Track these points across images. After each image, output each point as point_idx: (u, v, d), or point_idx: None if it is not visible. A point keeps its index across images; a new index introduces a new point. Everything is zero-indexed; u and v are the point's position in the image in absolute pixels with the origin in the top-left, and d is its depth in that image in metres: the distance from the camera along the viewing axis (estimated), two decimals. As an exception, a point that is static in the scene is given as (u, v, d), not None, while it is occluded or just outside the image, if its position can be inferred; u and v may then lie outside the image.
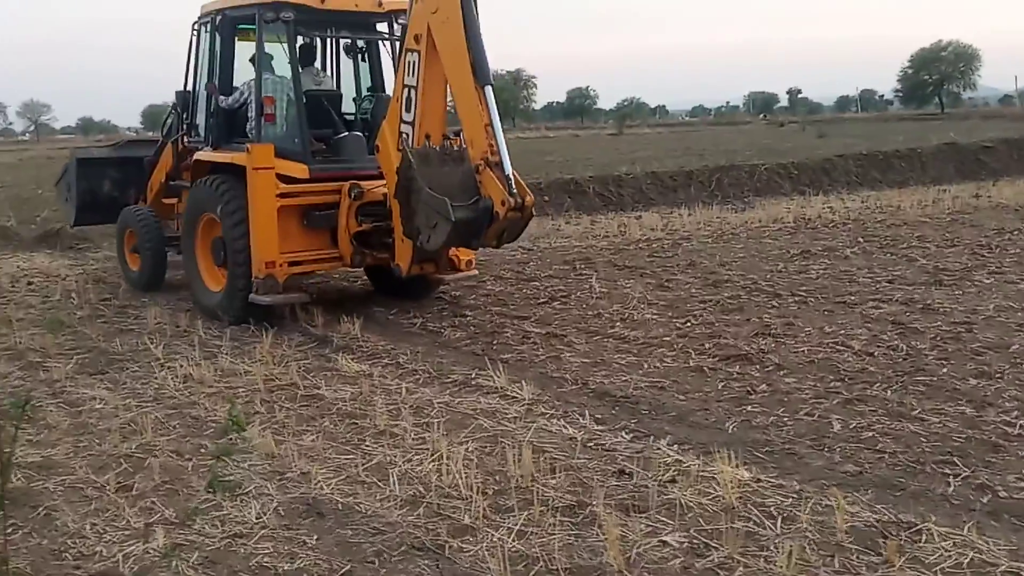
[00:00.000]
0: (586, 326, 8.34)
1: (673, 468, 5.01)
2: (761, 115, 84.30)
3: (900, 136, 28.69)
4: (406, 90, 8.37)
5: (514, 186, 7.59)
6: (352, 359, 7.39)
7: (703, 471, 4.94)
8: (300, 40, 9.48)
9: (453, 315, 8.99)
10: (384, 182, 8.57)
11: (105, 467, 5.22)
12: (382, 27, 9.77)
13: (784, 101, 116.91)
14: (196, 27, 9.89)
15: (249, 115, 9.20)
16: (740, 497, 4.61)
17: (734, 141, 37.04)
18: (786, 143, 33.12)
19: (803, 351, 7.28)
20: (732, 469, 4.87)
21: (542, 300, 9.54)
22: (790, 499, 4.62)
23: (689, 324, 8.26)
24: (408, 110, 8.33)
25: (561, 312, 8.97)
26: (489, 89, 7.75)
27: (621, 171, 20.22)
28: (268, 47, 9.22)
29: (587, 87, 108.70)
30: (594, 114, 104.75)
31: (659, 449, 5.31)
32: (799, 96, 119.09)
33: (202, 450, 5.50)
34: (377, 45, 10.01)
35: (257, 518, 4.52)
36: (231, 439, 5.40)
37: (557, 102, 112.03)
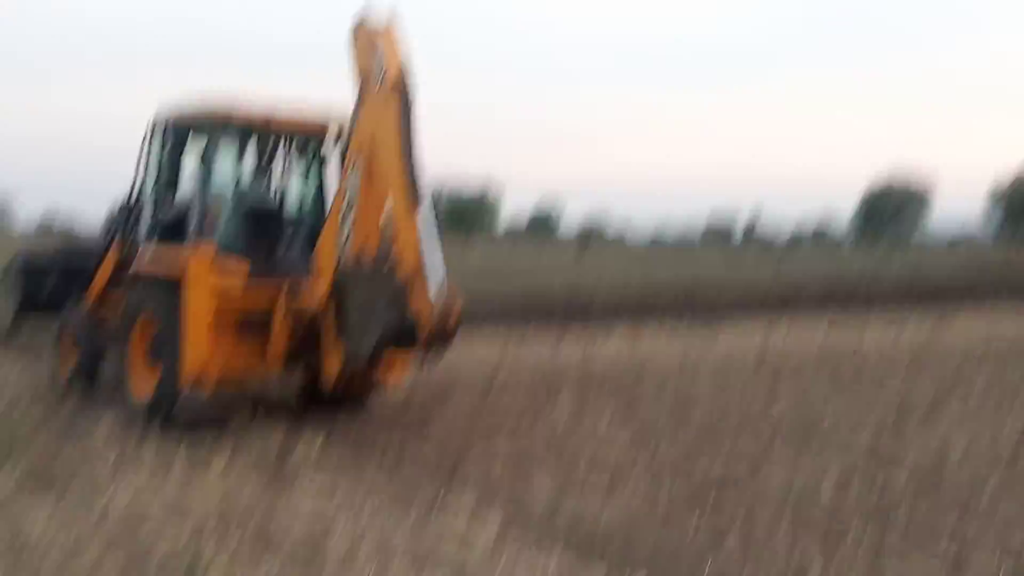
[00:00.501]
0: (557, 449, 8.14)
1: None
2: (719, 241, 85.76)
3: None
4: (344, 204, 8.50)
5: (442, 296, 7.77)
6: (313, 475, 7.09)
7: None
8: (248, 151, 9.67)
9: (420, 428, 8.76)
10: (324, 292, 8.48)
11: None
12: (327, 140, 9.75)
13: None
14: (146, 134, 9.90)
15: (191, 220, 9.13)
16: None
17: (695, 266, 37.41)
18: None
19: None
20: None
21: (510, 419, 9.34)
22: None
23: (660, 450, 8.09)
24: (343, 225, 8.45)
25: (530, 433, 8.76)
26: (422, 207, 7.93)
27: (588, 291, 20.25)
28: (213, 157, 9.28)
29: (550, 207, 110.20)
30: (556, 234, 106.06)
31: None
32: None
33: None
34: (322, 159, 9.96)
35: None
36: None
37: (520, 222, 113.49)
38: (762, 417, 9.47)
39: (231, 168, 9.42)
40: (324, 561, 5.49)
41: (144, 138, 9.92)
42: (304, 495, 6.64)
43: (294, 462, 7.59)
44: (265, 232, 9.54)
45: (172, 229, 9.40)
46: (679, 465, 7.59)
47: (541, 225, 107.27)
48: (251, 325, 8.80)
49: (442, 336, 7.96)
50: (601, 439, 8.46)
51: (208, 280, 8.52)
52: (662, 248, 77.15)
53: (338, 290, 8.21)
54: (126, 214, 10.17)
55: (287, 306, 8.67)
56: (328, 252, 8.48)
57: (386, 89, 8.10)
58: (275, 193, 10.15)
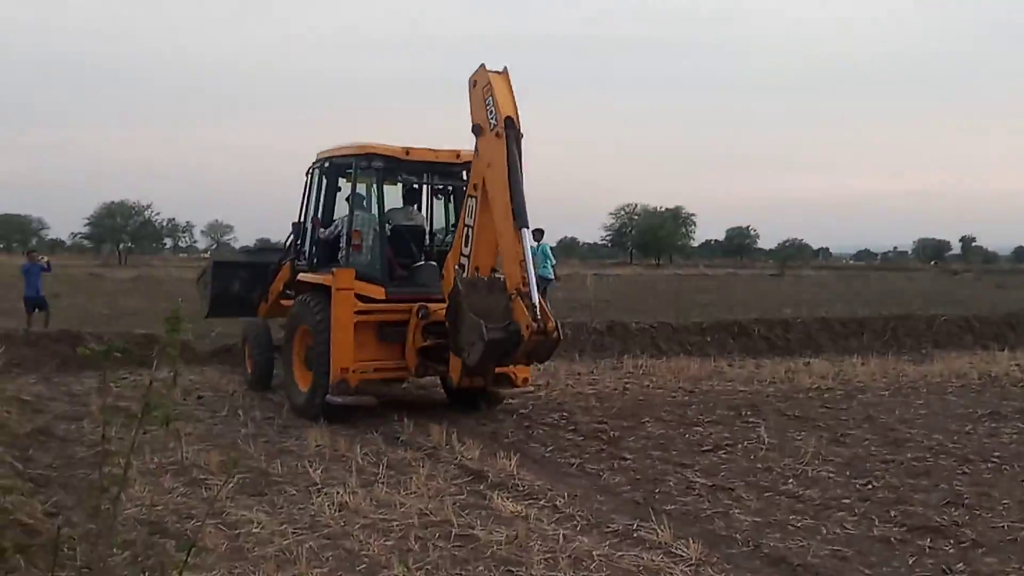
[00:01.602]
0: (755, 480, 7.82)
1: (864, 657, 4.45)
2: (933, 262, 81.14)
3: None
4: (466, 229, 10.02)
5: (539, 313, 8.91)
6: (508, 498, 7.14)
7: (900, 664, 4.37)
8: (398, 184, 11.32)
9: (612, 457, 8.64)
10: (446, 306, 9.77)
11: (258, 597, 5.10)
12: (460, 174, 11.03)
13: (956, 248, 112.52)
14: (309, 170, 11.81)
15: (341, 244, 10.96)
16: None
17: (905, 288, 35.61)
18: (962, 292, 31.57)
19: (1003, 527, 6.56)
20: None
21: (706, 448, 9.06)
22: None
23: (871, 486, 7.62)
24: (466, 245, 9.94)
25: (727, 462, 8.47)
26: (525, 231, 9.14)
27: (786, 314, 19.60)
28: (361, 189, 11.07)
29: (747, 226, 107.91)
30: (753, 253, 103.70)
31: (846, 631, 4.76)
32: (973, 244, 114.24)
33: (354, 587, 5.31)
34: (459, 190, 11.14)
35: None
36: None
37: (716, 240, 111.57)
38: (984, 452, 8.74)
39: (375, 200, 10.89)
40: (526, 574, 5.51)
41: (307, 173, 11.84)
42: (498, 519, 6.68)
43: (490, 483, 7.66)
44: (407, 254, 11.07)
45: (328, 253, 11.24)
46: (892, 503, 7.10)
47: (735, 248, 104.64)
48: (391, 334, 10.37)
49: (541, 350, 9.24)
50: (804, 473, 8.06)
51: (349, 295, 10.08)
52: (869, 266, 73.75)
53: (453, 305, 9.46)
54: (296, 240, 11.96)
55: (418, 318, 10.15)
56: (451, 272, 9.85)
57: (497, 131, 9.45)
58: (423, 218, 11.69)
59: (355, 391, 10.07)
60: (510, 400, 11.27)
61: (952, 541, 6.26)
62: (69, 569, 5.10)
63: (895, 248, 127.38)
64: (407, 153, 10.70)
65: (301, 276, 11.43)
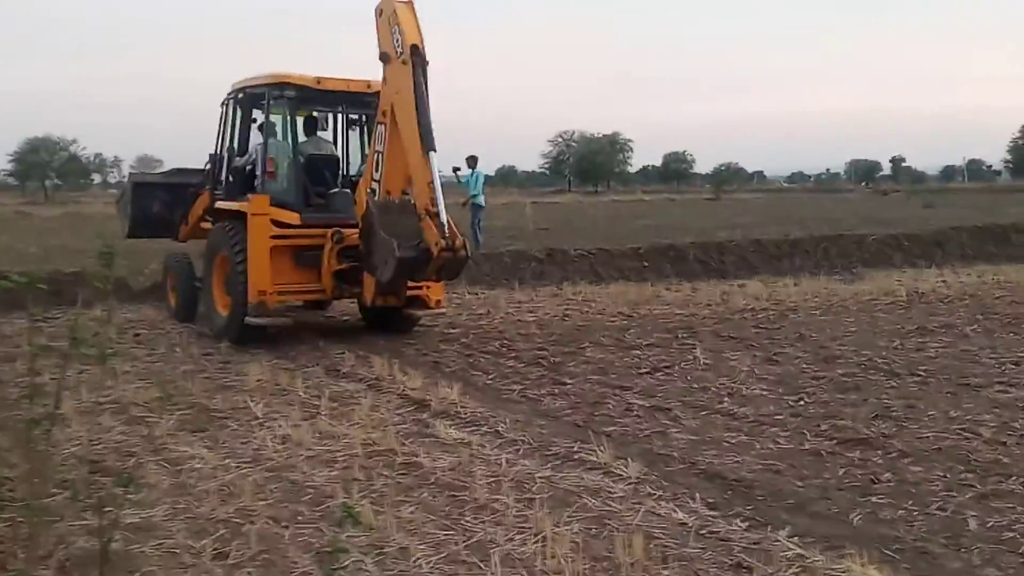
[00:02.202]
0: (692, 400, 8.01)
1: (796, 564, 4.64)
2: (864, 183, 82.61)
3: (1013, 208, 27.59)
4: (376, 155, 10.36)
5: (447, 232, 9.33)
6: (451, 426, 7.21)
7: (829, 569, 4.56)
8: (308, 112, 11.61)
9: (553, 383, 8.76)
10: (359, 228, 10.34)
11: (202, 531, 5.11)
12: (371, 103, 11.00)
13: (887, 169, 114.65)
14: (224, 101, 12.08)
15: (256, 172, 11.32)
16: (873, 602, 4.23)
17: (837, 209, 36.30)
18: (892, 212, 32.29)
19: (928, 437, 6.82)
20: (861, 568, 4.49)
21: (644, 370, 9.24)
22: (928, 606, 4.21)
23: (802, 402, 7.86)
24: (377, 171, 10.31)
25: (665, 384, 8.65)
26: (432, 154, 9.46)
27: (722, 237, 19.87)
28: (274, 118, 11.38)
29: (683, 151, 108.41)
30: (690, 178, 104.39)
31: (779, 541, 4.94)
32: (903, 164, 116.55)
33: (299, 518, 5.36)
34: (371, 119, 11.19)
35: (355, 596, 4.32)
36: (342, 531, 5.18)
37: (653, 166, 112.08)
38: (911, 366, 9.05)
39: (289, 129, 11.29)
40: (469, 498, 5.62)
41: (222, 104, 12.07)
42: (442, 446, 6.76)
43: (433, 411, 7.73)
44: (322, 182, 11.47)
45: (243, 181, 11.59)
46: (822, 417, 7.34)
47: (672, 173, 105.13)
48: (307, 258, 10.82)
49: (450, 267, 9.70)
50: (739, 391, 8.27)
51: (265, 220, 10.53)
52: (802, 188, 74.78)
53: (366, 227, 10.06)
54: (212, 168, 12.24)
55: (333, 242, 10.65)
56: (363, 196, 10.31)
57: (403, 59, 9.72)
58: (336, 146, 12.09)
59: (272, 312, 10.63)
60: (427, 323, 11.86)
61: (880, 452, 6.49)
62: (8, 510, 5.05)
63: (828, 170, 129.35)
64: (319, 82, 10.97)
65: (218, 204, 11.81)
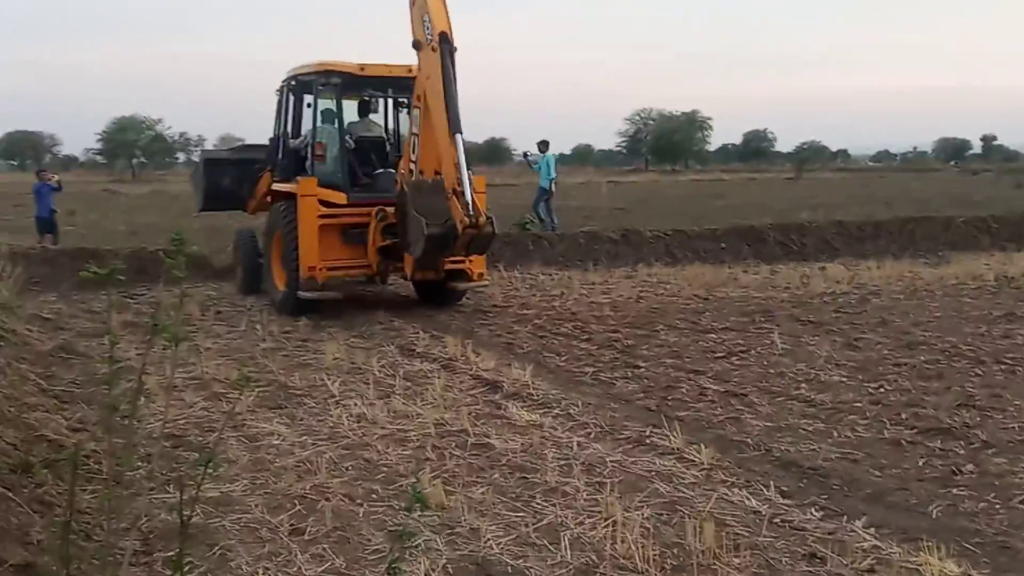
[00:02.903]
0: (768, 386, 7.88)
1: (871, 555, 4.55)
2: (952, 162, 79.96)
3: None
4: (412, 137, 10.98)
5: (471, 210, 9.85)
6: (523, 407, 7.23)
7: (905, 562, 4.46)
8: (360, 97, 12.35)
9: (626, 366, 8.71)
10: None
11: (279, 507, 5.24)
12: (411, 87, 11.42)
13: (977, 148, 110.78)
14: (279, 88, 12.78)
15: (307, 156, 11.99)
16: (951, 597, 4.12)
17: (924, 189, 35.28)
18: (981, 193, 31.24)
19: (1013, 428, 6.60)
20: (939, 562, 4.38)
21: (719, 355, 9.12)
22: (1010, 603, 4.10)
23: (883, 390, 7.66)
24: (413, 152, 10.92)
25: (740, 369, 8.53)
26: (459, 136, 9.95)
27: (802, 218, 19.49)
28: (323, 103, 12.02)
29: (764, 129, 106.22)
30: (771, 157, 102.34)
31: (854, 531, 4.85)
32: (994, 143, 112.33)
33: (373, 496, 5.45)
34: (407, 102, 11.81)
35: (426, 575, 4.38)
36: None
37: (732, 144, 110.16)
38: (998, 354, 8.76)
39: (337, 113, 11.83)
40: (540, 480, 5.63)
41: (277, 90, 12.83)
42: (513, 428, 6.79)
43: (505, 393, 7.76)
44: (369, 162, 12.10)
45: (297, 163, 12.21)
46: (903, 405, 7.15)
47: (752, 152, 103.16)
48: (353, 235, 11.48)
49: (477, 243, 10.38)
50: (817, 377, 8.11)
51: (313, 201, 11.21)
52: (888, 167, 72.80)
53: (400, 206, 10.72)
54: (272, 152, 12.88)
55: (377, 220, 11.25)
56: (401, 176, 11.02)
57: (432, 46, 10.18)
58: (383, 129, 12.74)
59: (322, 287, 11.20)
60: (500, 304, 12.24)
61: (962, 442, 6.31)
62: (95, 483, 5.25)
63: (915, 148, 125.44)
64: (362, 69, 11.59)
65: (275, 185, 12.53)
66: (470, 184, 9.94)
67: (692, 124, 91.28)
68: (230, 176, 13.91)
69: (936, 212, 20.66)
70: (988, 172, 53.13)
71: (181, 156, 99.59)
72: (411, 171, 10.87)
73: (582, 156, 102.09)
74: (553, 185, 19.54)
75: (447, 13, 10.34)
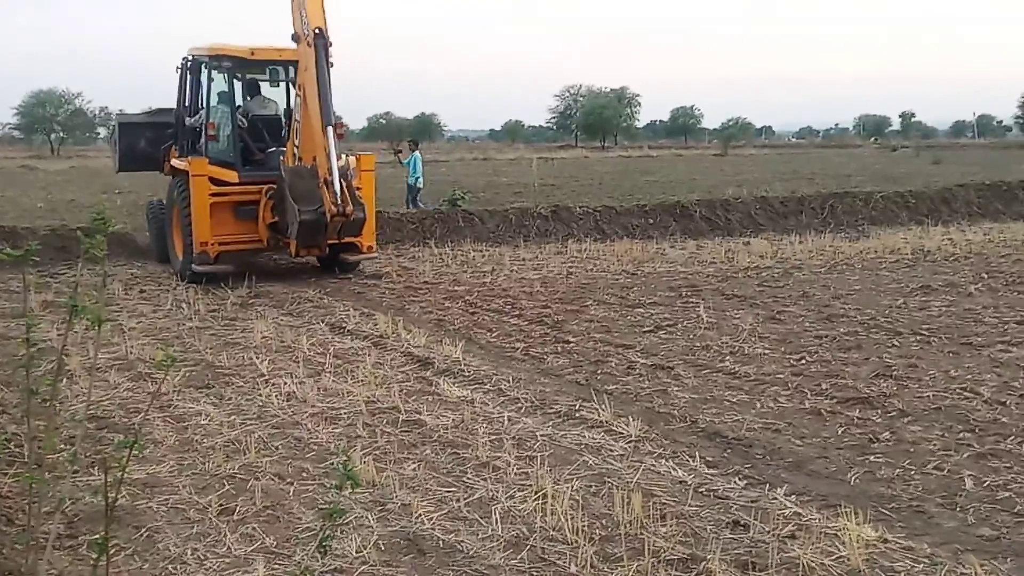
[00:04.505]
0: (694, 359, 8.05)
1: (792, 522, 4.70)
2: (872, 139, 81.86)
3: (1022, 165, 27.39)
4: (295, 123, 11.71)
5: (339, 199, 10.73)
6: (454, 384, 7.27)
7: (825, 527, 4.63)
8: (248, 77, 13.02)
9: (556, 341, 8.80)
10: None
11: (208, 488, 5.20)
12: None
13: (896, 124, 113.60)
14: (178, 67, 13.30)
15: (203, 134, 12.65)
16: (867, 559, 4.29)
17: (845, 165, 36.07)
18: (900, 169, 32.08)
19: (928, 396, 6.85)
20: (856, 527, 4.54)
21: (647, 329, 9.27)
22: (921, 564, 4.28)
23: (804, 361, 7.89)
24: (296, 138, 11.66)
25: (667, 342, 8.69)
26: (329, 128, 10.78)
27: (728, 194, 19.80)
28: (215, 85, 12.73)
29: (691, 106, 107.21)
30: (697, 133, 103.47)
31: (776, 499, 5.01)
32: (912, 120, 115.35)
33: (303, 474, 5.43)
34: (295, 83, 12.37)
35: (358, 552, 4.40)
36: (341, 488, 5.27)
37: (660, 120, 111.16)
38: (914, 325, 9.06)
39: (229, 94, 12.47)
40: (471, 456, 5.69)
41: (176, 69, 13.36)
42: (444, 404, 6.82)
43: (436, 369, 7.78)
44: (262, 140, 12.71)
45: (193, 141, 12.87)
46: (823, 376, 7.37)
47: (679, 128, 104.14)
48: (245, 212, 12.08)
49: (346, 228, 11.19)
50: (741, 350, 8.30)
51: (204, 180, 11.77)
52: (811, 143, 74.15)
53: (278, 190, 11.49)
54: (174, 128, 13.43)
55: (266, 198, 11.85)
56: (282, 162, 11.69)
57: (308, 40, 10.96)
58: (277, 107, 13.28)
59: (215, 261, 11.88)
60: (431, 280, 12.39)
61: (880, 411, 6.53)
62: (16, 467, 5.14)
63: (836, 125, 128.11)
64: (252, 53, 12.33)
65: (173, 162, 13.23)
66: (341, 174, 10.70)
67: (621, 100, 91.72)
68: (145, 138, 14.31)
69: (856, 188, 21.18)
70: (907, 148, 54.53)
71: (102, 131, 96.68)
72: (294, 155, 11.58)
73: (512, 132, 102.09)
74: (419, 182, 19.85)
75: (323, 9, 11.05)
